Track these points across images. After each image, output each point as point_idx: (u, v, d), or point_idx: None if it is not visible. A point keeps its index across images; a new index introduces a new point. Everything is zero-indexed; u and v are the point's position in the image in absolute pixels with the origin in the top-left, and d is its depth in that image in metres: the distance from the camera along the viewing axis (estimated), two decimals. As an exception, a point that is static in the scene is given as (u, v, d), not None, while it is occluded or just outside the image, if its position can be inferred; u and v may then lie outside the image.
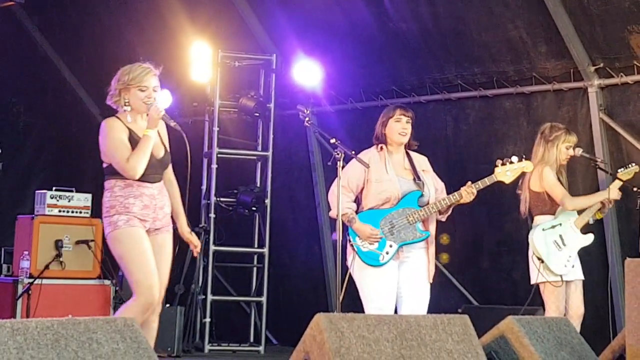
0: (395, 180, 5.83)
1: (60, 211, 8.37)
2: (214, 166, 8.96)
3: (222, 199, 9.01)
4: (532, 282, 6.45)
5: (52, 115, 11.13)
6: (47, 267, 8.11)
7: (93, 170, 11.39)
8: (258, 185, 9.19)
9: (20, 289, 7.90)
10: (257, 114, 9.12)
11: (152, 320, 5.15)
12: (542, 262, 6.39)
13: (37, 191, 8.56)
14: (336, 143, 5.83)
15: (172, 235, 5.34)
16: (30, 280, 7.93)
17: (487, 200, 7.30)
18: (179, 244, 9.27)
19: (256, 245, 9.16)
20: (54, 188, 8.45)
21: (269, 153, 9.12)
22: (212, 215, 8.93)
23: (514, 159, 5.94)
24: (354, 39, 8.60)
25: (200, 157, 9.16)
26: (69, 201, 8.42)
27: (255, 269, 9.19)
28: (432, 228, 5.91)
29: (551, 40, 7.57)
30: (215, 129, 9.01)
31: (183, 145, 5.31)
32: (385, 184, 5.82)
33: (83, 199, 8.49)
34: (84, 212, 8.50)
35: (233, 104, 9.08)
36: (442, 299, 6.07)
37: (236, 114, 9.22)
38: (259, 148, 9.27)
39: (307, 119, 6.11)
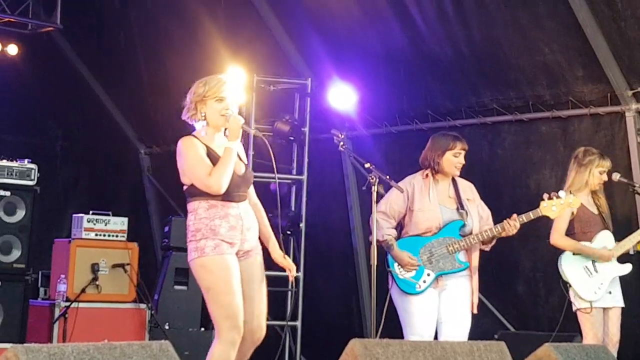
0: (437, 210, 5.81)
1: (96, 235, 8.41)
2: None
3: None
4: (574, 309, 6.40)
5: (90, 140, 11.23)
6: (83, 290, 8.14)
7: (129, 194, 11.52)
8: (293, 209, 9.19)
9: (57, 313, 7.94)
10: (292, 138, 9.13)
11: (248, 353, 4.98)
12: (571, 287, 6.35)
13: (74, 215, 8.61)
14: (371, 167, 5.84)
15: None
16: (67, 303, 7.96)
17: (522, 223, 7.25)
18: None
19: (291, 269, 9.13)
20: (90, 212, 8.49)
21: (304, 177, 9.12)
22: (247, 239, 8.93)
23: (562, 193, 5.90)
24: (388, 62, 8.61)
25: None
26: (106, 225, 8.46)
27: (289, 293, 9.17)
28: (475, 258, 5.87)
29: (588, 64, 7.53)
30: (251, 152, 9.03)
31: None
32: (427, 213, 5.80)
33: (119, 223, 8.53)
34: (120, 236, 8.54)
35: (268, 128, 9.10)
36: (477, 324, 6.01)
37: (271, 138, 9.24)
38: (294, 172, 9.27)
39: (341, 143, 6.13)
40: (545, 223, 6.79)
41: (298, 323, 8.91)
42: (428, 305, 5.70)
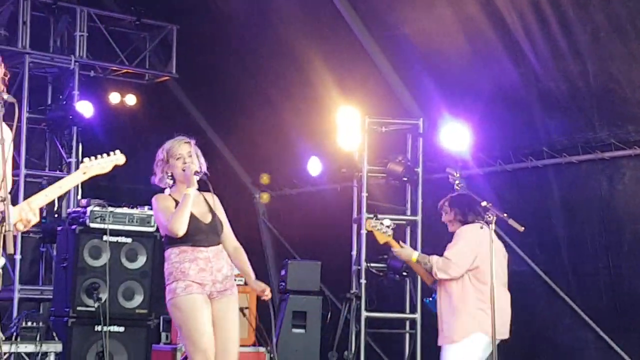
0: None
1: (215, 279, 8.51)
2: (364, 232, 8.97)
3: (372, 265, 8.98)
4: None
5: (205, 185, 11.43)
6: (203, 334, 8.24)
7: (245, 238, 11.62)
8: (408, 250, 9.14)
9: (179, 357, 8.06)
10: (406, 179, 9.11)
11: None
12: None
13: (192, 260, 8.72)
14: (487, 206, 5.80)
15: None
16: (188, 347, 8.06)
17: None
18: (331, 311, 9.31)
19: (408, 311, 9.09)
20: (208, 256, 8.60)
21: (418, 217, 9.07)
22: (363, 281, 8.91)
23: None
24: (501, 100, 8.54)
25: (350, 223, 9.20)
26: (224, 269, 8.56)
27: (407, 334, 9.10)
28: None
29: None
30: (364, 194, 9.04)
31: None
32: None
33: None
34: (238, 280, 8.61)
35: (381, 169, 9.11)
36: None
37: (384, 179, 9.24)
38: (408, 212, 9.23)
39: (457, 182, 6.15)
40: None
41: (416, 365, 8.83)
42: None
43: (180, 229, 5.47)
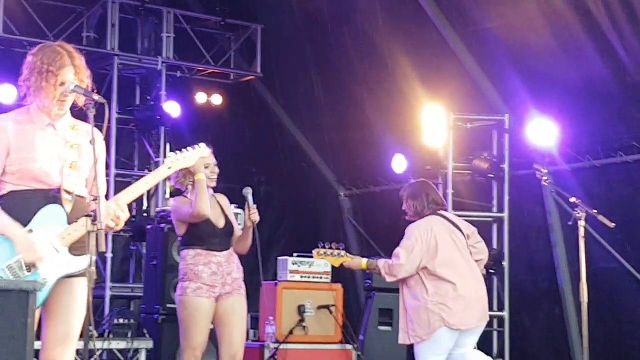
0: None
1: (302, 277, 8.57)
2: (450, 229, 8.93)
3: (458, 262, 8.93)
4: None
5: (291, 184, 11.52)
6: (291, 332, 8.30)
7: (330, 236, 11.67)
8: (495, 247, 9.06)
9: (267, 354, 8.13)
10: (491, 175, 9.03)
11: None
12: None
13: (279, 258, 8.81)
14: (576, 202, 5.73)
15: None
16: (276, 345, 8.13)
17: None
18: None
19: (496, 309, 9.01)
20: (294, 254, 8.67)
21: (505, 214, 8.99)
22: (450, 278, 8.87)
23: None
24: (590, 94, 8.40)
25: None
26: (310, 267, 8.62)
27: (495, 332, 9.03)
28: None
29: None
30: (450, 191, 8.99)
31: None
32: None
33: (323, 265, 8.64)
34: (325, 278, 8.67)
35: (466, 166, 9.05)
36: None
37: (470, 176, 9.18)
38: (494, 209, 9.16)
39: (544, 178, 6.08)
40: None
41: (505, 363, 8.76)
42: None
43: (205, 209, 5.76)
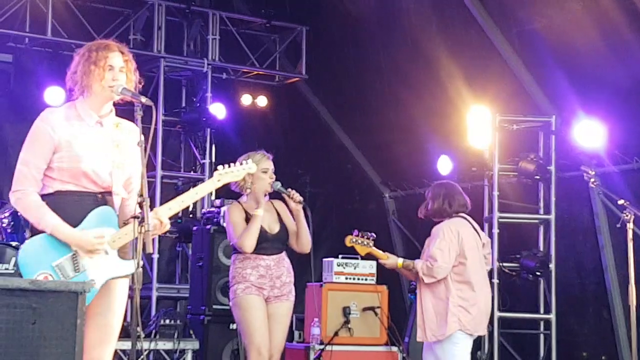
0: None
1: (347, 278, 8.57)
2: (495, 231, 8.88)
3: (505, 264, 8.89)
4: None
5: (336, 185, 11.53)
6: (336, 333, 8.29)
7: (376, 237, 11.66)
8: (541, 249, 9.00)
9: (312, 356, 8.13)
10: (538, 177, 8.97)
11: None
12: None
13: (324, 259, 8.82)
14: (625, 204, 5.68)
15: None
16: (322, 346, 8.14)
17: None
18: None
19: (542, 311, 8.95)
20: (339, 256, 8.67)
21: (552, 216, 8.92)
22: (496, 280, 8.81)
23: None
24: (638, 95, 8.30)
25: (481, 222, 9.12)
26: (355, 268, 8.62)
27: (542, 335, 8.96)
28: None
29: None
30: (495, 193, 8.94)
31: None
32: None
33: (368, 266, 8.64)
34: (370, 279, 8.67)
35: (512, 168, 8.99)
36: None
37: (515, 178, 9.13)
38: (541, 211, 9.09)
39: (592, 179, 6.05)
40: None
41: (552, 366, 8.69)
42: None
43: (249, 247, 5.97)
